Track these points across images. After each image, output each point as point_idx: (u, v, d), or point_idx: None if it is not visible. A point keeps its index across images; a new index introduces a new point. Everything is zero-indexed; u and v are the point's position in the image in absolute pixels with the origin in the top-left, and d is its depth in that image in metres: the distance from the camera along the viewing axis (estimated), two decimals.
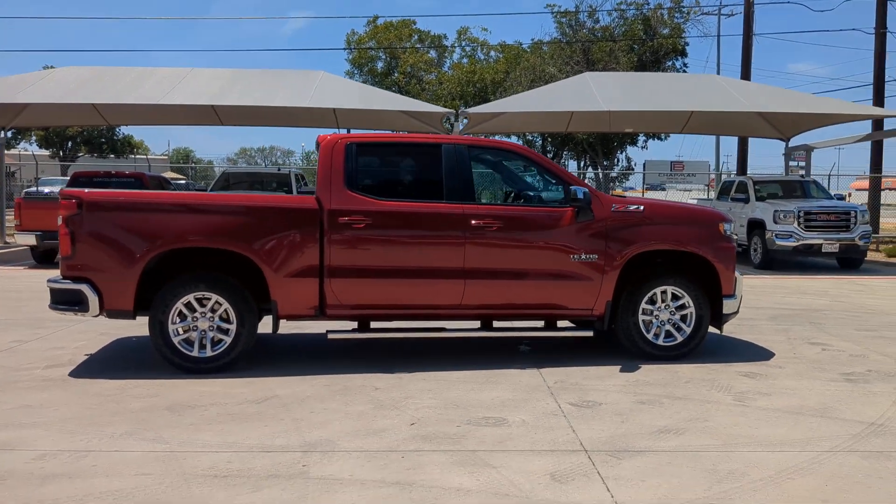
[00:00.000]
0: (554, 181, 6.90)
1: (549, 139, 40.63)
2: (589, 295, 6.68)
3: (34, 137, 48.25)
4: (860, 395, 5.78)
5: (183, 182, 34.62)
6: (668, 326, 6.86)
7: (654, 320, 6.85)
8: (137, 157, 54.81)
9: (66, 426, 4.86)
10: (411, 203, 6.53)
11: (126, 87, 16.81)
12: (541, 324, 7.09)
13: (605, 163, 39.45)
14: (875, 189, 22.02)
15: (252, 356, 6.61)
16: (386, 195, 6.53)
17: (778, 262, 15.82)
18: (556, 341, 7.54)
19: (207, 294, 6.23)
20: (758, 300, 10.61)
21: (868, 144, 22.29)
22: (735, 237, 7.86)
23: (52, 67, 26.24)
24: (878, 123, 20.70)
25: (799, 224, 15.18)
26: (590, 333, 6.95)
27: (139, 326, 7.51)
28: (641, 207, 6.83)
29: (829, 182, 25.90)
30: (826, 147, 20.65)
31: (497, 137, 20.05)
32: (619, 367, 6.53)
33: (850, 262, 15.92)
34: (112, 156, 52.99)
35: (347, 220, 6.34)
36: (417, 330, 6.84)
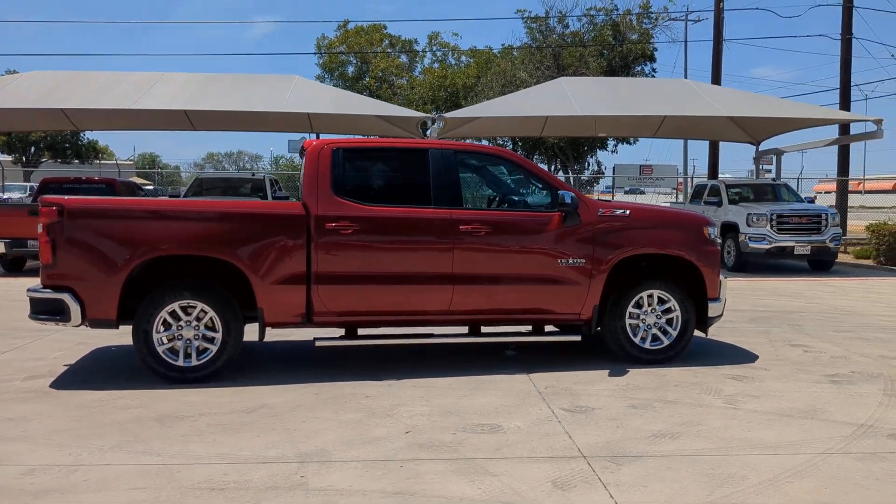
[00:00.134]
0: (540, 186, 6.91)
1: (520, 143, 40.77)
2: (577, 299, 6.68)
3: None
4: (846, 396, 5.84)
5: (151, 188, 34.14)
6: (654, 330, 6.89)
7: (640, 324, 6.87)
8: (103, 162, 53.95)
9: (52, 439, 4.74)
10: (399, 208, 6.49)
11: (97, 92, 16.56)
12: (528, 328, 7.09)
13: (576, 167, 39.67)
14: (842, 192, 22.38)
15: (236, 364, 6.51)
16: (373, 200, 6.49)
17: (751, 264, 16.01)
18: (542, 345, 7.55)
19: (193, 302, 6.12)
20: (736, 303, 10.70)
21: (832, 148, 22.67)
22: (718, 240, 7.92)
23: (14, 72, 25.76)
24: (844, 128, 21.08)
25: (771, 227, 15.37)
26: (577, 338, 6.96)
27: (118, 335, 7.41)
28: (627, 212, 6.86)
29: (797, 185, 26.29)
30: (796, 151, 20.98)
31: (469, 141, 20.06)
32: (607, 372, 6.54)
33: (821, 263, 16.18)
34: (76, 161, 52.10)
35: (335, 226, 6.28)
36: (406, 336, 6.80)
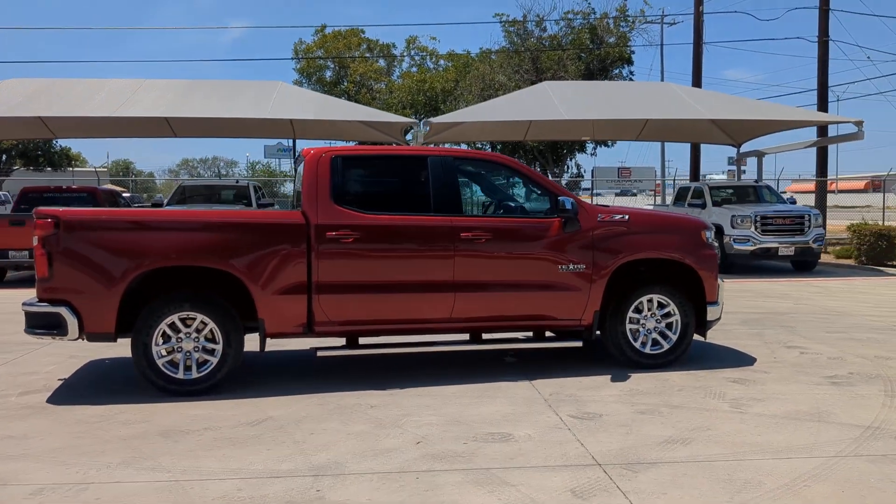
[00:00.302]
0: (540, 192, 6.90)
1: (499, 147, 40.85)
2: (578, 305, 6.68)
3: None
4: (849, 398, 5.89)
5: (127, 195, 33.70)
6: (654, 335, 6.91)
7: (641, 329, 6.89)
8: (76, 169, 53.21)
9: (56, 457, 4.65)
10: (400, 216, 6.45)
11: (77, 100, 16.35)
12: (530, 335, 7.09)
13: (555, 170, 39.79)
14: (821, 192, 22.64)
15: (235, 376, 6.43)
16: (373, 209, 6.44)
17: (736, 266, 16.12)
18: (540, 352, 7.51)
19: (192, 314, 6.04)
20: (725, 305, 10.72)
21: (806, 149, 22.93)
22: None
23: None
24: (821, 129, 21.33)
25: (756, 228, 15.52)
26: (579, 344, 6.95)
27: (111, 348, 7.31)
28: (626, 217, 6.87)
29: (777, 187, 26.52)
30: (777, 153, 21.19)
31: (447, 146, 20.04)
32: (609, 377, 6.54)
33: (804, 264, 16.34)
34: (49, 169, 51.31)
35: (335, 235, 6.22)
36: (408, 345, 6.77)
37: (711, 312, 7.04)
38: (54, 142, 49.19)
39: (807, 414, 5.45)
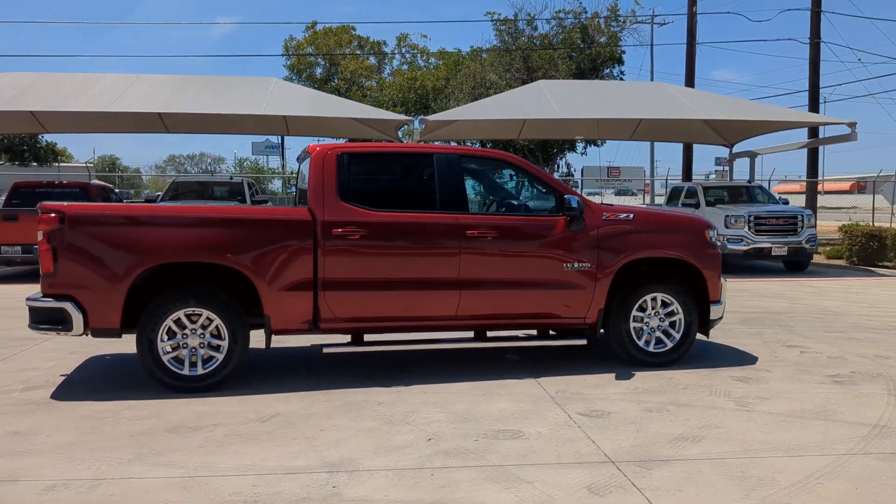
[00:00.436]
0: (545, 190, 6.90)
1: (490, 146, 40.84)
2: (582, 303, 6.70)
3: None
4: (853, 397, 5.93)
5: (116, 191, 33.41)
6: (658, 333, 6.93)
7: (644, 327, 6.91)
8: (62, 165, 52.75)
9: (65, 453, 4.61)
10: (406, 213, 6.44)
11: (69, 95, 16.22)
12: (534, 333, 7.10)
13: (546, 168, 39.84)
14: (812, 193, 22.80)
15: (238, 372, 6.40)
16: (379, 206, 6.42)
17: (729, 265, 16.17)
18: (544, 349, 7.53)
19: (198, 310, 6.01)
20: None
21: (797, 150, 23.08)
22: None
23: None
24: (812, 130, 21.48)
25: (749, 228, 15.61)
26: (583, 342, 6.96)
27: (110, 344, 7.26)
28: (631, 215, 6.89)
29: (768, 186, 26.67)
30: (770, 153, 21.31)
31: (436, 143, 20.02)
32: (613, 375, 6.56)
33: (796, 264, 16.45)
34: (35, 164, 50.84)
35: (342, 232, 6.21)
36: (413, 342, 6.76)
37: (714, 311, 7.07)
38: (40, 137, 48.74)
39: (813, 412, 5.48)
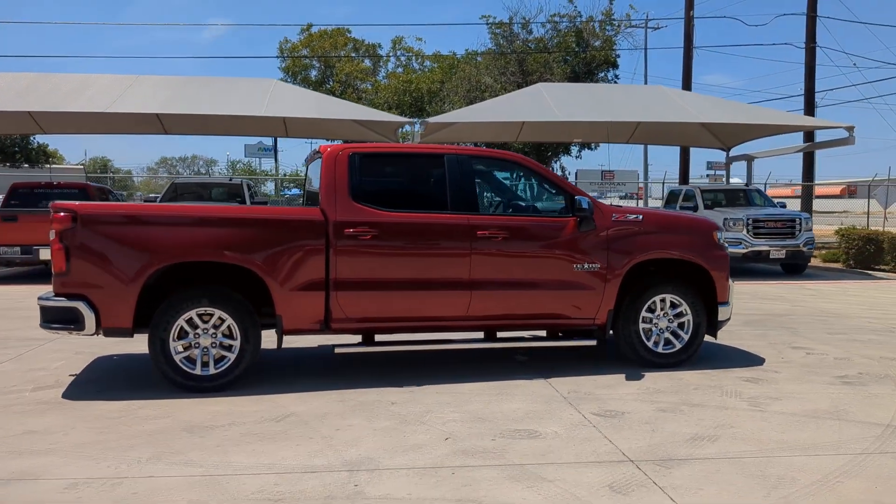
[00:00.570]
0: (555, 191, 6.92)
1: (486, 147, 40.92)
2: (592, 304, 6.72)
3: None
4: (863, 397, 5.97)
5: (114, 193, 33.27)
6: (666, 334, 6.96)
7: (653, 328, 6.94)
8: (54, 166, 52.52)
9: (83, 452, 4.60)
10: (417, 214, 6.45)
11: (67, 96, 16.18)
12: (540, 334, 7.12)
13: None
14: (807, 197, 22.92)
15: (249, 372, 6.39)
16: (391, 206, 6.42)
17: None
18: (552, 350, 7.55)
19: (210, 310, 6.01)
20: None
21: (792, 154, 23.19)
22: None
23: None
24: (808, 134, 21.58)
25: (748, 231, 15.68)
26: (593, 342, 6.98)
27: (116, 344, 7.25)
28: (640, 217, 6.92)
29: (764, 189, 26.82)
30: (767, 157, 21.40)
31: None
32: (623, 376, 6.58)
33: (794, 267, 16.53)
34: (26, 165, 50.60)
35: (353, 232, 6.22)
36: (425, 342, 6.77)
37: (722, 312, 7.11)
38: (31, 138, 48.53)
39: (826, 412, 5.52)
